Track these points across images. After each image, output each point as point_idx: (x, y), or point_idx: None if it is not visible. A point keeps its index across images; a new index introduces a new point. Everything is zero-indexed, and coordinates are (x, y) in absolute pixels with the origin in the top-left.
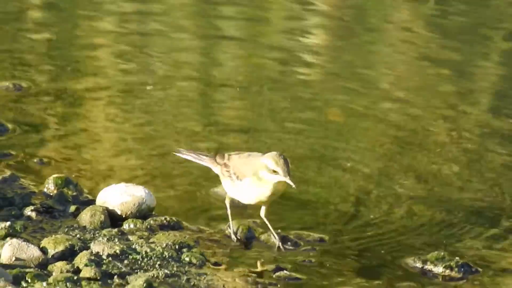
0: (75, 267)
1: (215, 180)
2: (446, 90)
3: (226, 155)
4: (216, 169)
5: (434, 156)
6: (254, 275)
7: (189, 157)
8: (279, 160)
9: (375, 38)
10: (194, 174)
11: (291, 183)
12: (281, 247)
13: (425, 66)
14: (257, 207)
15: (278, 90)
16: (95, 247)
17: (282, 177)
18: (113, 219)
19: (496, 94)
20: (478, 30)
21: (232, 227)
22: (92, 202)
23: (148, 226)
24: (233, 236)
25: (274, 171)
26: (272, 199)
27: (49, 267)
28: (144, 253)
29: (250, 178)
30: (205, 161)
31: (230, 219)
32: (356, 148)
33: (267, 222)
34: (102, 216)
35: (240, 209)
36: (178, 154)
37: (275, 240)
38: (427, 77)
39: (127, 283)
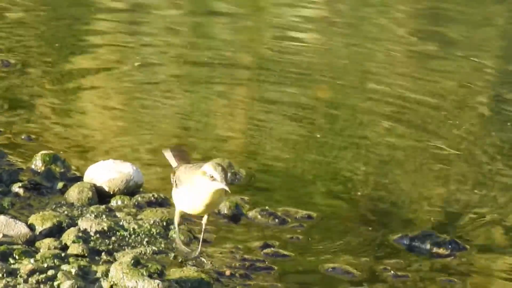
0: (63, 243)
1: (203, 157)
2: (436, 66)
3: (183, 165)
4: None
5: (423, 133)
6: (241, 252)
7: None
8: (217, 167)
9: (375, 14)
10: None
11: (227, 188)
12: (203, 261)
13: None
14: (199, 216)
15: (269, 66)
16: (83, 223)
17: (219, 184)
18: (101, 196)
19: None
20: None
21: (178, 238)
22: (79, 178)
23: (136, 203)
24: (182, 248)
25: (212, 177)
26: (210, 209)
27: (37, 244)
28: (131, 229)
29: (187, 186)
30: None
31: (177, 232)
32: (344, 125)
33: (202, 231)
34: (90, 193)
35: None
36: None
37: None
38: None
39: (115, 260)
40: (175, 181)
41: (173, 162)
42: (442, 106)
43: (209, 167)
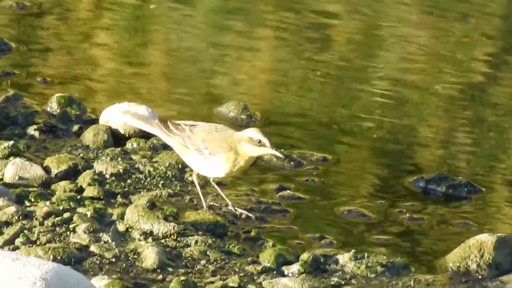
0: (78, 186)
1: (218, 100)
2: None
3: (182, 126)
4: (171, 140)
5: (438, 76)
6: (257, 194)
7: (132, 123)
8: (262, 132)
9: None
10: (198, 95)
11: (280, 155)
12: (234, 210)
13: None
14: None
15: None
16: (98, 166)
17: (269, 149)
18: (116, 138)
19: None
20: None
21: (204, 201)
22: (95, 121)
23: (151, 146)
24: (204, 206)
25: (260, 143)
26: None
27: (52, 187)
28: (147, 172)
29: (227, 154)
30: (151, 126)
31: (200, 194)
32: (360, 68)
33: (218, 189)
34: (105, 136)
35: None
36: (125, 121)
37: (230, 207)
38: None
39: (130, 202)
40: (205, 147)
41: (147, 122)
42: (456, 53)
43: (255, 133)
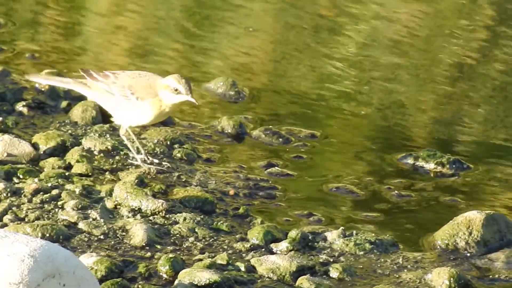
0: (67, 163)
1: (207, 75)
2: None
3: (107, 73)
4: (92, 92)
5: (426, 53)
6: (245, 171)
7: (48, 82)
8: (181, 79)
9: None
10: (186, 71)
11: (194, 101)
12: (141, 164)
13: None
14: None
15: None
16: (87, 143)
17: (184, 96)
18: (105, 115)
19: None
20: None
21: (135, 154)
22: (83, 97)
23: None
24: (142, 164)
25: (177, 90)
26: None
27: (41, 163)
28: (135, 149)
29: (154, 99)
30: (71, 84)
31: (132, 149)
32: (348, 43)
33: (134, 137)
34: (94, 112)
35: (229, 104)
36: (34, 79)
37: (135, 158)
38: None
39: (119, 179)
40: (131, 93)
41: (64, 79)
42: (444, 27)
43: (172, 80)
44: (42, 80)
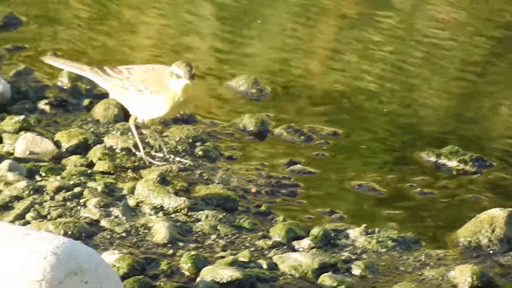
0: (89, 161)
1: (230, 73)
2: None
3: (120, 68)
4: (108, 84)
5: (448, 51)
6: (267, 169)
7: (63, 66)
8: (181, 64)
9: None
10: (208, 69)
11: (188, 82)
12: (144, 158)
13: None
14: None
15: None
16: (109, 141)
17: (184, 80)
18: (127, 113)
19: None
20: None
21: (141, 149)
22: (105, 95)
23: (162, 120)
24: (144, 157)
25: (178, 76)
26: (178, 112)
27: (63, 161)
28: (157, 146)
29: (166, 92)
30: (86, 71)
31: (138, 140)
32: (370, 40)
33: (156, 135)
34: (116, 110)
35: (251, 102)
36: (49, 62)
37: (139, 149)
38: None
39: (141, 177)
40: (145, 87)
41: (81, 67)
42: (469, 24)
43: (174, 67)
44: (58, 63)
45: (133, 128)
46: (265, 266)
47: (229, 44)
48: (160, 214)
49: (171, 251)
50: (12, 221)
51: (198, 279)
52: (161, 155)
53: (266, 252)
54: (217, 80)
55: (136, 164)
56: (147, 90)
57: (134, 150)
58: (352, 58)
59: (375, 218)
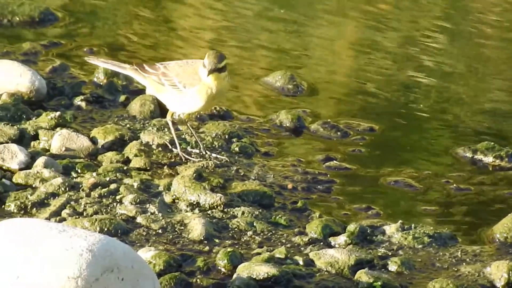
0: (125, 157)
1: (266, 70)
2: None
3: (157, 65)
4: (145, 80)
5: (483, 47)
6: (303, 165)
7: (105, 65)
8: (210, 55)
9: None
10: (244, 65)
11: (205, 75)
12: (180, 154)
13: None
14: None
15: None
16: (145, 137)
17: (207, 70)
18: (163, 109)
19: None
20: None
21: (178, 145)
22: (142, 91)
23: (198, 116)
24: (181, 153)
25: (204, 66)
26: (216, 103)
27: (99, 158)
28: (193, 143)
29: (199, 85)
30: (127, 70)
31: (175, 136)
32: (406, 35)
33: (191, 129)
34: (152, 106)
35: (287, 98)
36: (92, 62)
37: (175, 146)
38: None
39: (177, 173)
40: (179, 81)
41: (121, 65)
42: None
43: (205, 58)
44: (100, 63)
45: (170, 124)
46: (301, 263)
47: (267, 39)
48: (196, 210)
49: (207, 248)
50: (48, 218)
51: (234, 276)
52: (197, 151)
53: (302, 248)
54: (253, 75)
55: (172, 160)
56: (181, 84)
57: (170, 146)
58: (387, 54)
59: (411, 214)
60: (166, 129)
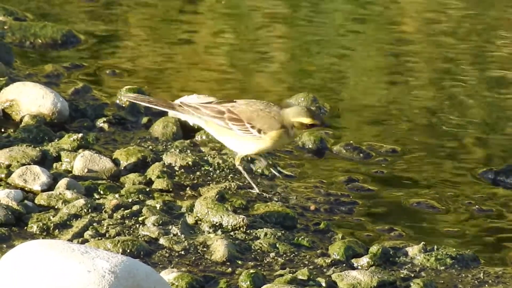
0: (147, 178)
1: (287, 91)
2: None
3: (217, 107)
4: (200, 121)
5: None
6: (326, 186)
7: (148, 105)
8: (307, 111)
9: None
10: (267, 86)
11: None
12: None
13: None
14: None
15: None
16: (168, 158)
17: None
18: (185, 131)
19: None
20: None
21: (255, 186)
22: (164, 113)
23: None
24: (256, 190)
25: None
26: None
27: (121, 179)
28: (216, 164)
29: (277, 131)
30: (175, 109)
31: (249, 179)
32: (428, 59)
33: (244, 172)
34: (175, 128)
35: None
36: (131, 100)
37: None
38: None
39: (200, 195)
40: (252, 126)
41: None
42: None
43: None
44: (139, 101)
45: (241, 169)
46: (324, 284)
47: (289, 61)
48: (219, 232)
49: (229, 269)
50: (71, 239)
51: None
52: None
53: (325, 270)
54: (275, 97)
55: (195, 182)
56: (254, 130)
57: (255, 189)
58: (410, 76)
59: (434, 235)
60: (188, 151)
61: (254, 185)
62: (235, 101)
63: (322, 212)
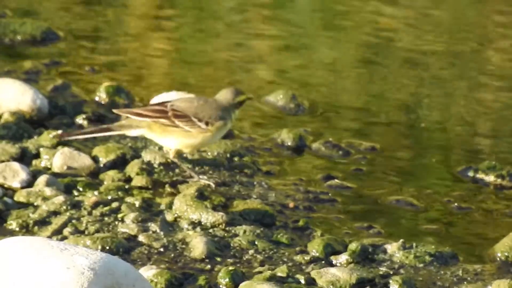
0: (127, 175)
1: (271, 88)
2: None
3: (157, 107)
4: (140, 126)
5: (486, 66)
6: (305, 184)
7: (87, 136)
8: (231, 90)
9: None
10: (246, 84)
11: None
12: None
13: None
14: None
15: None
16: (147, 155)
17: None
18: None
19: None
20: None
21: (195, 174)
22: None
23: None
24: (203, 181)
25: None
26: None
27: (101, 176)
28: (195, 161)
29: (222, 121)
30: (115, 130)
31: (187, 169)
32: (407, 56)
33: (180, 163)
34: None
35: (289, 117)
36: (70, 138)
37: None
38: None
39: (179, 192)
40: (198, 119)
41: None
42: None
43: (226, 93)
44: (81, 136)
45: (178, 162)
46: (303, 281)
47: (268, 59)
48: (198, 229)
49: (208, 266)
50: (50, 236)
51: None
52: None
53: (304, 267)
54: (254, 94)
55: (174, 179)
56: (201, 122)
57: (191, 180)
58: (389, 74)
59: (413, 233)
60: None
61: (194, 174)
62: (169, 101)
63: (301, 209)
